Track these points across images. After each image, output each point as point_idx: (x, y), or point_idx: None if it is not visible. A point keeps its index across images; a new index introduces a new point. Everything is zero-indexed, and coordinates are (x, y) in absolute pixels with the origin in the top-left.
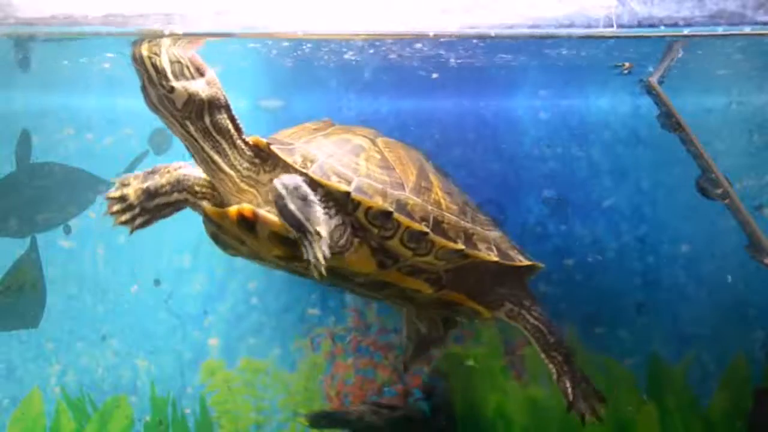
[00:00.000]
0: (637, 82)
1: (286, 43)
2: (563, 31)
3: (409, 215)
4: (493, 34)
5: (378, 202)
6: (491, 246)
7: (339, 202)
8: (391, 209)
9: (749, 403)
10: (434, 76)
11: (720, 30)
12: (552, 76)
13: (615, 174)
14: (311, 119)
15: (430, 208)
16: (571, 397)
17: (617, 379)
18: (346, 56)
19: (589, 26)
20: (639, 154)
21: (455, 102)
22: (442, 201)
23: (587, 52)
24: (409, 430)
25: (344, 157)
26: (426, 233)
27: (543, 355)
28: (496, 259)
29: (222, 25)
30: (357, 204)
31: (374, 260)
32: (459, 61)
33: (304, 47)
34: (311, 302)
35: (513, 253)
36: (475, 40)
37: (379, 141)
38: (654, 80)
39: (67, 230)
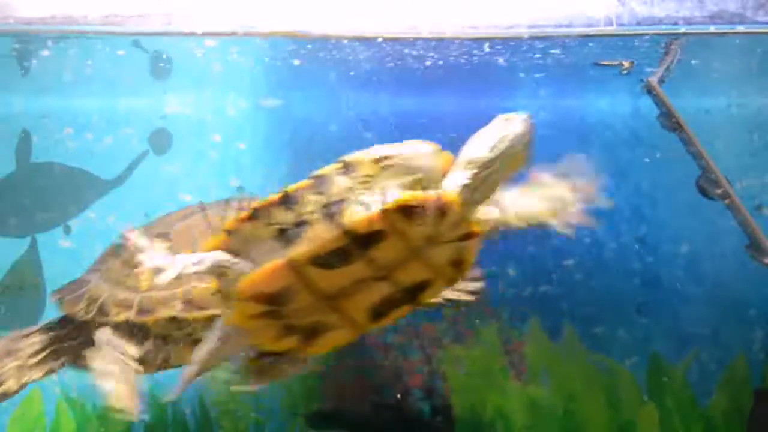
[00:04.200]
0: (637, 82)
1: (286, 42)
2: (563, 31)
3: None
4: (493, 34)
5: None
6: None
7: None
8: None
9: (749, 403)
10: (434, 76)
11: (712, 28)
12: (552, 76)
13: (615, 174)
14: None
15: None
16: None
17: (617, 379)
18: (346, 55)
19: (589, 26)
20: (639, 154)
21: (455, 102)
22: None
23: (588, 52)
24: (409, 430)
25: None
26: None
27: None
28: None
29: (222, 24)
30: None
31: None
32: (459, 60)
33: (305, 46)
34: None
35: None
36: (475, 41)
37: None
38: (654, 80)
39: (67, 230)
